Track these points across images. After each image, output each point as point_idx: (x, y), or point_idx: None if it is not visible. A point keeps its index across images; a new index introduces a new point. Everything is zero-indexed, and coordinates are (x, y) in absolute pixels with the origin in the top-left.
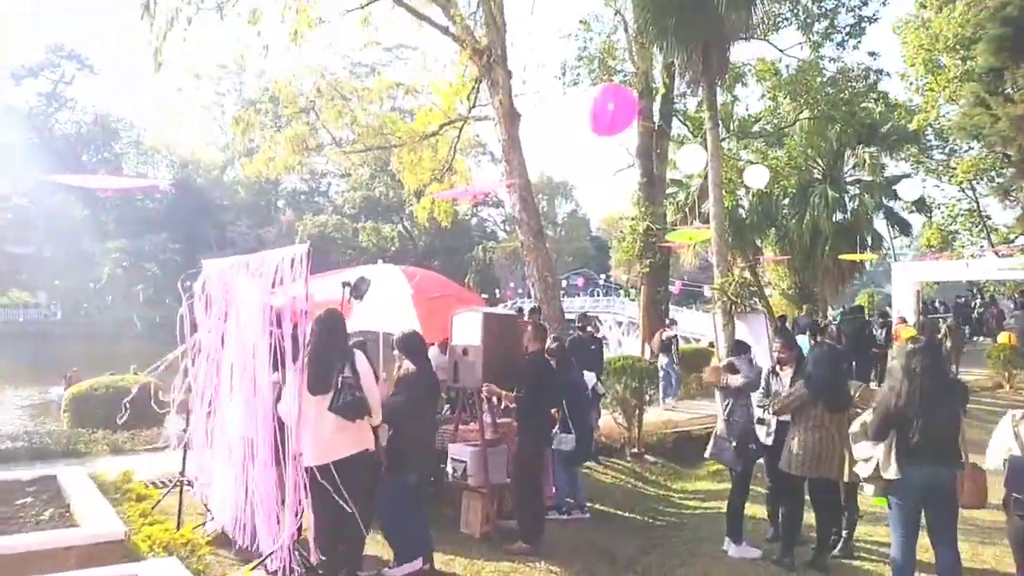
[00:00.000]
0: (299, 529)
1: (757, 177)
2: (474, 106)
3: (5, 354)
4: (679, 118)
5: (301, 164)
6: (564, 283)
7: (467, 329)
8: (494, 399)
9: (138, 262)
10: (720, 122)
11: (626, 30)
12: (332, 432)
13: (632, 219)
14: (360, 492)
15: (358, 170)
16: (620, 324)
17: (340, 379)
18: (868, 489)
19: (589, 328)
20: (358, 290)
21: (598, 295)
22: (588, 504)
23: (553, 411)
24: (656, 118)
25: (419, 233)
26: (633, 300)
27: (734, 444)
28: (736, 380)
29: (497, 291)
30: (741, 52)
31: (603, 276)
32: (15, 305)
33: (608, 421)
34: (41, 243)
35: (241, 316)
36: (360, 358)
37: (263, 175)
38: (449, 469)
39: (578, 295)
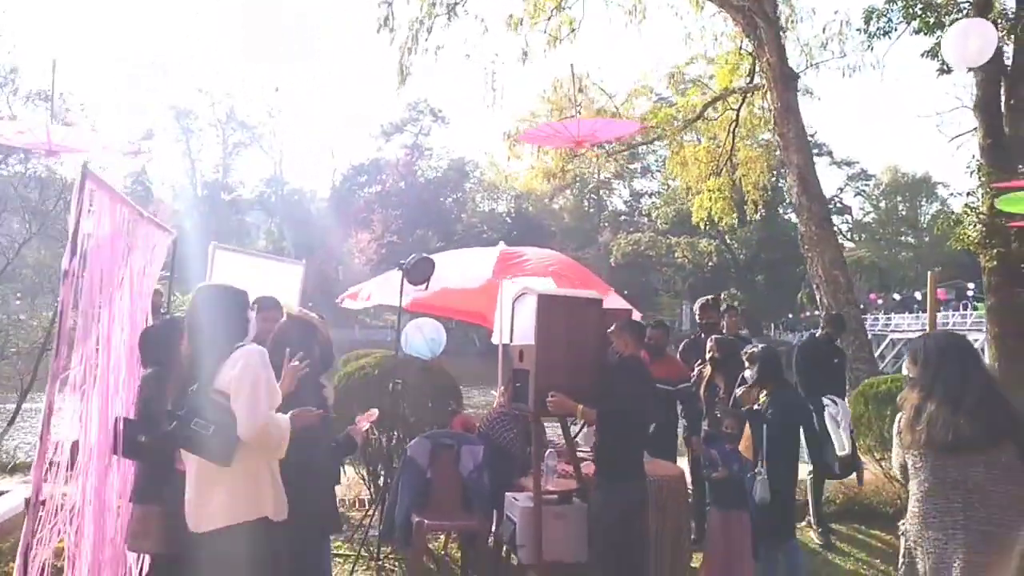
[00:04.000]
0: None
1: None
2: (752, 81)
3: None
4: None
5: (564, 171)
6: (919, 296)
7: (525, 321)
8: (577, 424)
9: None
10: None
11: None
12: (195, 483)
13: (969, 195)
14: None
15: (672, 183)
16: None
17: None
18: None
19: (826, 334)
20: (414, 274)
21: (968, 308)
22: None
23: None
24: (1009, 57)
25: (739, 246)
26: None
27: None
28: None
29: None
30: None
31: (972, 286)
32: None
33: (879, 472)
34: None
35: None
36: (240, 357)
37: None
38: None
39: (939, 310)
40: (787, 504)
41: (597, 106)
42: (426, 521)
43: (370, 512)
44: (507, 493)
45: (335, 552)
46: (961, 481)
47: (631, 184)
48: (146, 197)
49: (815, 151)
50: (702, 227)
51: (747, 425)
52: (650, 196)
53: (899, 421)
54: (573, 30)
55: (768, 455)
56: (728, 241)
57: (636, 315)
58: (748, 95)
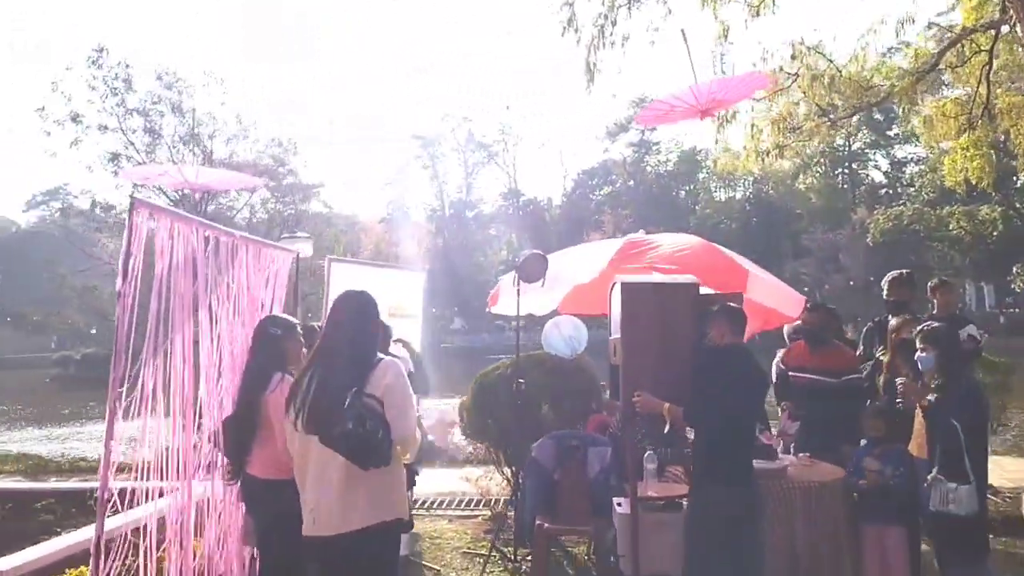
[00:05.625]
0: None
1: None
2: (1005, 11)
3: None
4: None
5: (780, 147)
6: None
7: (616, 313)
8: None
9: None
10: None
11: None
12: (337, 485)
13: None
14: None
15: (942, 145)
16: None
17: (350, 399)
18: None
19: None
20: (525, 271)
21: None
22: None
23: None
24: None
25: None
26: None
27: None
28: None
29: None
30: None
31: None
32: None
33: None
34: None
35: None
36: (390, 367)
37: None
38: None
39: None
40: (984, 517)
41: (815, 72)
42: (546, 524)
43: (507, 513)
44: (614, 498)
45: (474, 552)
46: None
47: (892, 152)
48: (404, 220)
49: None
50: (970, 190)
51: (917, 420)
52: (916, 163)
53: None
54: None
55: (971, 454)
56: (1018, 206)
57: (790, 301)
58: (999, 32)
